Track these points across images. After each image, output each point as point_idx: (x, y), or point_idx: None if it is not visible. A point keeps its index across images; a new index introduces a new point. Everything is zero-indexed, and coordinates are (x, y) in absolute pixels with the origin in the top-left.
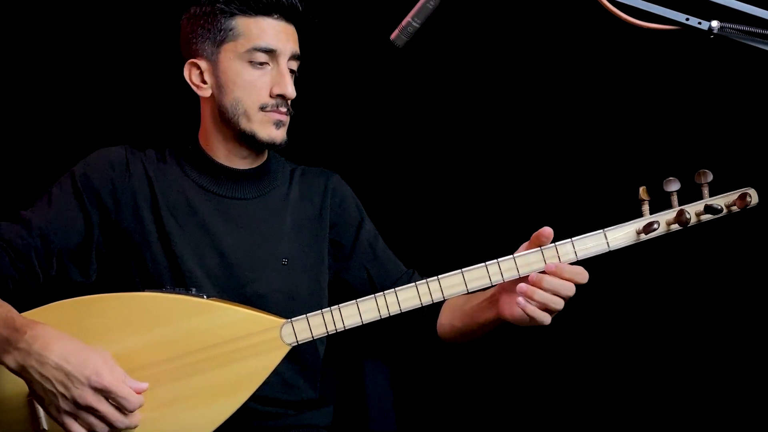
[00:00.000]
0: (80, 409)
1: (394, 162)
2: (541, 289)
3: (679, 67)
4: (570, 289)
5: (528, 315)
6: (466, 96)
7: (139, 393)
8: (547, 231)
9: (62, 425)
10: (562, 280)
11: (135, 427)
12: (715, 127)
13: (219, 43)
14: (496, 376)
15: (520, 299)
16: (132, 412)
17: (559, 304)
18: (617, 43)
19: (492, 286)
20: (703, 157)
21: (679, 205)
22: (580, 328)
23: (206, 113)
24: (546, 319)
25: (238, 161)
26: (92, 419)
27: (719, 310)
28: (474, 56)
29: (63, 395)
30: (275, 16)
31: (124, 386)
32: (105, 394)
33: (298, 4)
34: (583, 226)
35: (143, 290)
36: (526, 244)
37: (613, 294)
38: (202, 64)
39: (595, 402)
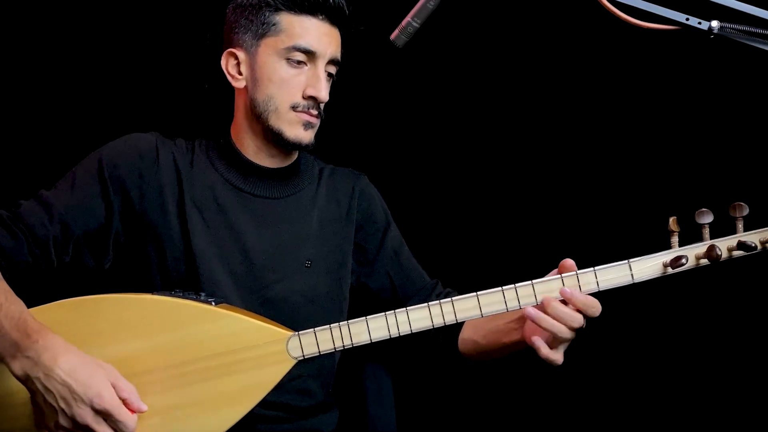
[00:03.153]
0: (77, 428)
1: (398, 166)
2: (546, 314)
3: (679, 67)
4: (576, 321)
5: (533, 343)
6: (474, 101)
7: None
8: (569, 263)
9: None
10: (568, 310)
11: None
12: (719, 131)
13: (260, 37)
14: (498, 380)
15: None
16: None
17: (566, 333)
18: (617, 43)
19: (507, 311)
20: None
21: (711, 239)
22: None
23: (239, 105)
24: (546, 350)
25: (267, 159)
26: None
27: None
28: (474, 58)
29: (63, 411)
30: (320, 17)
31: (123, 411)
32: (104, 416)
33: (345, 8)
34: (607, 255)
35: (153, 291)
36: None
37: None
38: (241, 55)
39: (597, 411)
